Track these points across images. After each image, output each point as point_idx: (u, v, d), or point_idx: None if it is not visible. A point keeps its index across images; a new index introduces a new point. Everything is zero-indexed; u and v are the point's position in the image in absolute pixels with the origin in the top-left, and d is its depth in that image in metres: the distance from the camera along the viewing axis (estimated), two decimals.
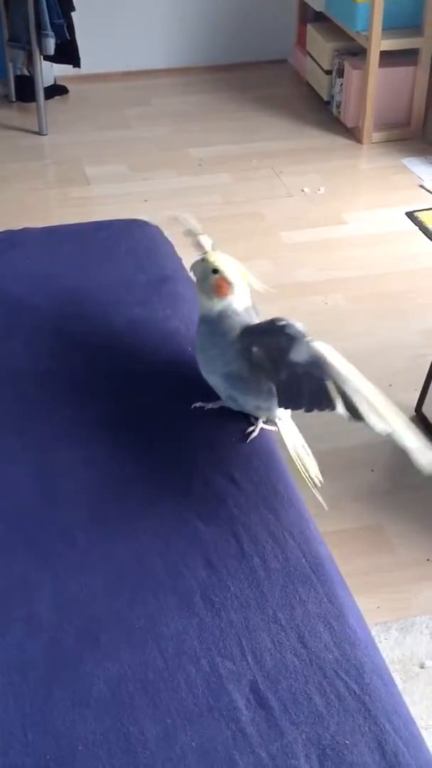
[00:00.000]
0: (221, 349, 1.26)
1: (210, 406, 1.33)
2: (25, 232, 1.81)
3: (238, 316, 1.26)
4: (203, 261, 1.25)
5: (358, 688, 0.97)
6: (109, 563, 1.12)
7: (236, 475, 1.24)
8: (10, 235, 1.81)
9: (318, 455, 2.05)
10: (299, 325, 1.17)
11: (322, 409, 1.15)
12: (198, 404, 1.34)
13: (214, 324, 1.26)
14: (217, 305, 1.25)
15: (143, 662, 1.00)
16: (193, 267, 1.28)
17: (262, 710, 0.95)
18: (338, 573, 1.12)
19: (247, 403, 1.30)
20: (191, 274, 1.29)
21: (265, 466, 1.26)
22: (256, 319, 1.29)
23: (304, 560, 1.11)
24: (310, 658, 1.00)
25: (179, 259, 1.79)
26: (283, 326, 1.17)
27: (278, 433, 1.32)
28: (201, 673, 0.99)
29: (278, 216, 3.05)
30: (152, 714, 0.95)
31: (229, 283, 1.24)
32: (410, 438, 1.08)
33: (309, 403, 1.17)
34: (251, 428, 1.30)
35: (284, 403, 1.24)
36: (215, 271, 1.24)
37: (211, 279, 1.24)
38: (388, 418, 1.08)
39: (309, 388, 1.15)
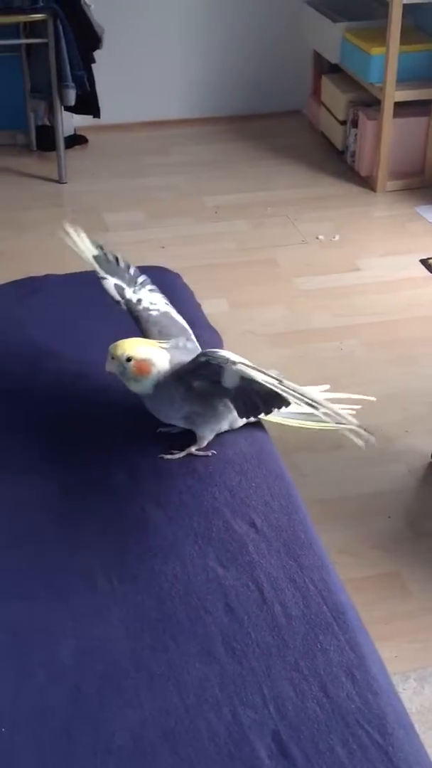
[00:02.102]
0: (170, 403, 1.33)
1: (173, 430, 1.39)
2: (48, 278, 1.84)
3: (170, 372, 1.31)
4: (113, 359, 1.30)
5: (381, 738, 0.96)
6: (130, 608, 1.12)
7: (256, 520, 1.24)
8: (33, 281, 1.83)
9: (335, 502, 2.07)
10: (221, 353, 1.22)
11: (279, 407, 1.25)
12: (163, 429, 1.40)
13: (155, 395, 1.32)
14: (149, 381, 1.31)
15: (164, 710, 0.99)
16: (110, 370, 1.32)
17: (284, 760, 0.94)
18: (359, 621, 1.11)
19: (204, 429, 1.35)
20: (113, 374, 1.33)
21: (285, 511, 1.26)
22: (181, 354, 1.33)
23: (325, 607, 1.11)
24: (332, 708, 0.99)
25: (199, 305, 1.81)
26: (207, 360, 1.24)
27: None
28: (223, 721, 0.98)
29: (293, 262, 3.08)
30: (173, 763, 0.94)
31: (146, 360, 1.29)
32: (347, 419, 1.15)
33: (265, 408, 1.26)
34: (177, 453, 1.35)
35: (244, 414, 1.32)
36: (129, 359, 1.29)
37: (129, 367, 1.30)
38: (325, 404, 1.16)
39: (258, 395, 1.23)
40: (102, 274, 1.47)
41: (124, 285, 1.46)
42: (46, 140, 3.76)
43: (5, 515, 1.26)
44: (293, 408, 1.30)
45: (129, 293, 1.45)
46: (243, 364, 1.20)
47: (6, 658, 1.05)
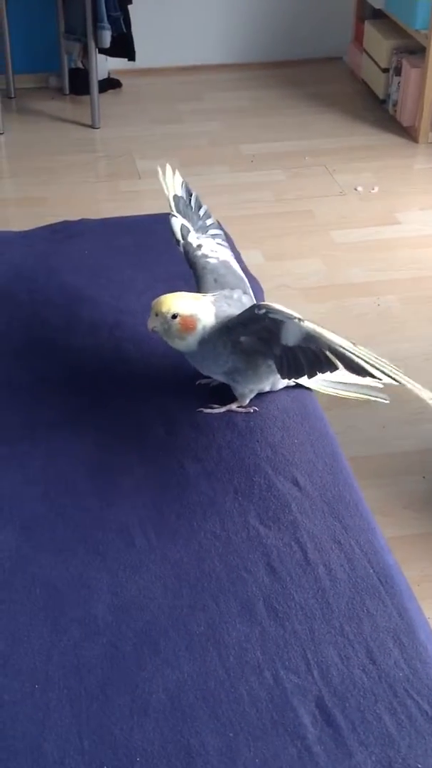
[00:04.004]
0: (214, 358, 1.27)
1: (212, 383, 1.36)
2: (83, 222, 1.78)
3: (214, 327, 1.25)
4: (156, 316, 1.24)
5: (430, 709, 0.92)
6: (168, 565, 1.08)
7: (300, 479, 1.19)
8: (68, 225, 1.78)
9: (369, 460, 2.02)
10: (279, 307, 1.17)
11: (323, 372, 1.16)
12: (203, 381, 1.36)
13: (200, 351, 1.27)
14: (194, 338, 1.25)
15: (204, 671, 0.96)
16: (153, 329, 1.26)
17: (329, 728, 0.90)
18: (407, 585, 1.07)
19: (245, 387, 1.31)
20: (156, 332, 1.28)
21: (329, 470, 1.21)
22: (227, 306, 1.28)
23: (371, 570, 1.06)
24: (379, 675, 0.95)
25: (237, 254, 1.75)
26: (265, 313, 1.17)
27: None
28: (264, 685, 0.94)
29: (330, 214, 2.99)
30: (213, 726, 0.91)
31: (192, 315, 1.24)
32: (418, 387, 1.10)
33: (310, 370, 1.18)
34: (217, 408, 1.32)
35: (286, 375, 1.24)
36: (174, 316, 1.23)
37: (175, 325, 1.23)
38: (392, 374, 1.10)
39: (307, 358, 1.17)
40: (174, 212, 1.44)
41: (190, 228, 1.43)
42: (79, 83, 3.67)
43: (39, 468, 1.23)
44: (335, 376, 1.26)
45: (192, 237, 1.41)
46: (309, 321, 1.14)
47: (40, 614, 1.02)
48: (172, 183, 1.50)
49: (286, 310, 1.16)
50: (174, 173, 1.51)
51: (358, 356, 1.09)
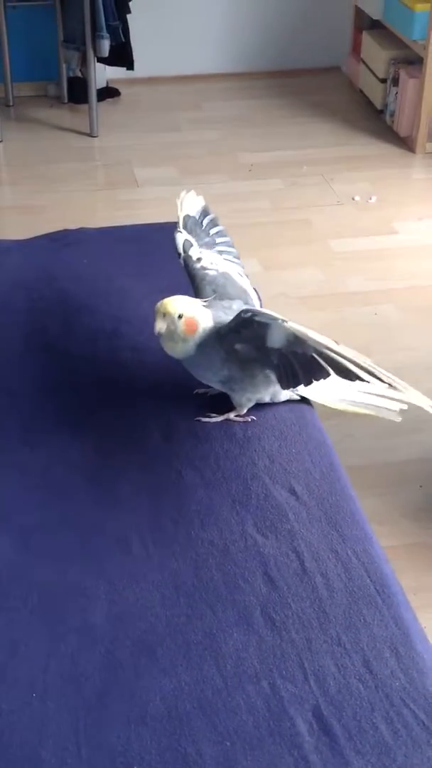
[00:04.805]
0: (209, 365, 1.29)
1: (210, 392, 1.36)
2: (82, 231, 1.79)
3: (211, 332, 1.27)
4: (164, 317, 1.25)
5: (426, 718, 0.92)
6: (166, 574, 1.08)
7: (297, 488, 1.20)
8: (67, 234, 1.79)
9: (366, 469, 2.02)
10: (263, 310, 1.19)
11: (318, 379, 1.18)
12: (200, 391, 1.37)
13: (197, 355, 1.28)
14: (194, 341, 1.26)
15: (201, 680, 0.96)
16: (160, 330, 1.26)
17: (326, 737, 0.91)
18: (404, 595, 1.07)
19: (242, 396, 1.31)
20: (158, 333, 1.28)
21: (327, 479, 1.22)
22: (224, 314, 1.30)
23: (368, 580, 1.07)
24: (375, 685, 0.95)
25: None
26: (251, 316, 1.20)
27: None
28: (261, 694, 0.95)
29: (328, 224, 3.00)
30: (210, 735, 0.91)
31: (193, 317, 1.25)
32: (408, 390, 1.14)
33: (305, 377, 1.20)
34: (215, 417, 1.32)
35: (285, 384, 1.26)
36: (180, 316, 1.25)
37: (180, 325, 1.25)
38: (380, 376, 1.12)
39: (299, 363, 1.19)
40: (180, 228, 1.46)
41: (194, 242, 1.45)
42: (78, 92, 3.68)
43: (37, 474, 1.23)
44: (337, 392, 1.27)
45: (194, 251, 1.43)
46: (292, 322, 1.16)
47: (38, 621, 1.02)
48: (189, 205, 1.52)
49: (270, 312, 1.18)
50: (196, 197, 1.55)
51: (342, 356, 1.12)
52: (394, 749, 0.89)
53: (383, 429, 2.13)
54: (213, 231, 1.53)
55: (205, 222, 1.53)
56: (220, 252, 1.48)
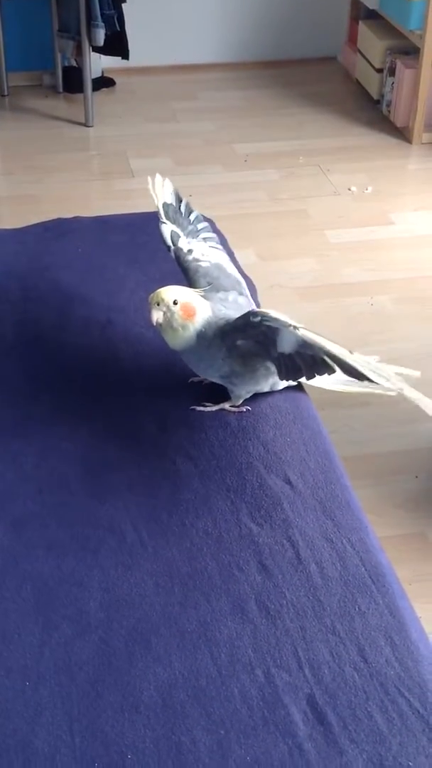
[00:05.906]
0: (210, 361, 1.27)
1: (205, 381, 1.36)
2: (76, 220, 1.78)
3: (214, 324, 1.25)
4: (158, 305, 1.23)
5: (421, 707, 0.92)
6: (160, 563, 1.08)
7: (292, 477, 1.19)
8: (61, 223, 1.78)
9: (362, 459, 2.02)
10: (274, 314, 1.17)
11: (321, 374, 1.17)
12: (195, 379, 1.36)
13: (196, 349, 1.26)
14: (193, 327, 1.24)
15: (195, 668, 0.96)
16: (157, 319, 1.24)
17: (320, 726, 0.90)
18: (399, 584, 1.07)
19: (242, 389, 1.31)
20: (157, 323, 1.26)
21: (321, 468, 1.21)
22: (223, 306, 1.29)
23: (363, 569, 1.06)
24: (370, 673, 0.95)
25: (231, 252, 1.75)
26: (260, 321, 1.18)
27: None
28: (255, 683, 0.94)
29: (324, 214, 3.00)
30: (204, 724, 0.91)
31: (189, 301, 1.24)
32: (417, 394, 1.10)
33: (308, 373, 1.19)
34: (210, 406, 1.32)
35: (285, 377, 1.25)
36: (175, 302, 1.23)
37: (177, 311, 1.23)
38: (393, 379, 1.10)
39: (304, 361, 1.18)
40: (163, 219, 1.44)
41: (180, 234, 1.43)
42: (73, 82, 3.67)
43: (31, 464, 1.22)
44: (336, 376, 1.25)
45: (182, 242, 1.41)
46: (305, 328, 1.13)
47: (31, 610, 1.02)
48: (162, 192, 1.50)
49: (282, 317, 1.15)
50: (164, 182, 1.51)
51: (354, 361, 1.09)
52: (389, 738, 0.89)
53: (379, 419, 2.12)
54: (192, 217, 1.51)
55: (182, 208, 1.51)
56: (205, 239, 1.46)
